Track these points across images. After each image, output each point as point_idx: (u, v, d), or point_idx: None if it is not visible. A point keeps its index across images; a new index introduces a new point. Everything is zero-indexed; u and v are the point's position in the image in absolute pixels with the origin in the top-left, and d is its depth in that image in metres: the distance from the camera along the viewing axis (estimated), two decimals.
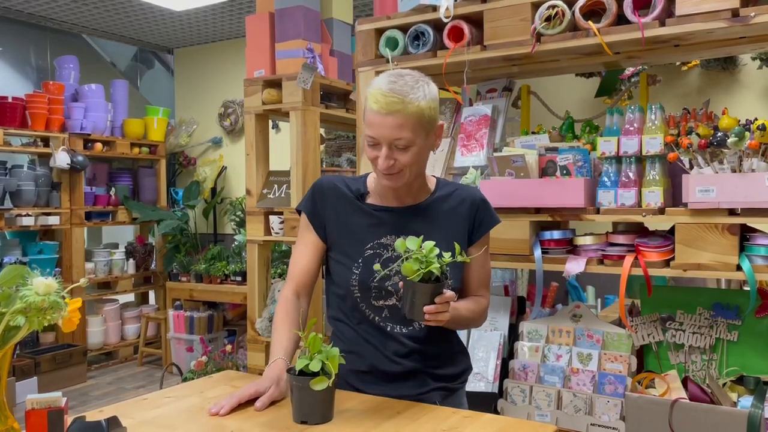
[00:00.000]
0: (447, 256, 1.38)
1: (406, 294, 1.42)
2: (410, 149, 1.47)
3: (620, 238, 2.05)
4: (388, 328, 1.56)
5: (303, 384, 1.30)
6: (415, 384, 1.56)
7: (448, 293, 1.41)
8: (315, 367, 1.29)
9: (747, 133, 1.80)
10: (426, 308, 1.38)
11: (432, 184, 1.66)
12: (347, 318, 1.61)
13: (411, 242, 1.38)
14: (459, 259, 1.41)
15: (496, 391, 2.15)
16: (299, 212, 1.66)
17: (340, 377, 1.55)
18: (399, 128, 1.44)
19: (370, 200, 1.63)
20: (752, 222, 1.84)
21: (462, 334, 2.29)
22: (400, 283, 1.43)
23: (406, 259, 1.38)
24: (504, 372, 2.18)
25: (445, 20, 2.24)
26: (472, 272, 1.64)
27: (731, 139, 1.81)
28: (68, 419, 1.20)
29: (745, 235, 1.87)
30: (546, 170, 2.12)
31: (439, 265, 1.37)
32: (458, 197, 1.63)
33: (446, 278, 1.42)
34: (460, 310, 1.56)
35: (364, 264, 1.56)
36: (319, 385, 1.28)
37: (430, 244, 1.38)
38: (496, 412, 2.10)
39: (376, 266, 1.46)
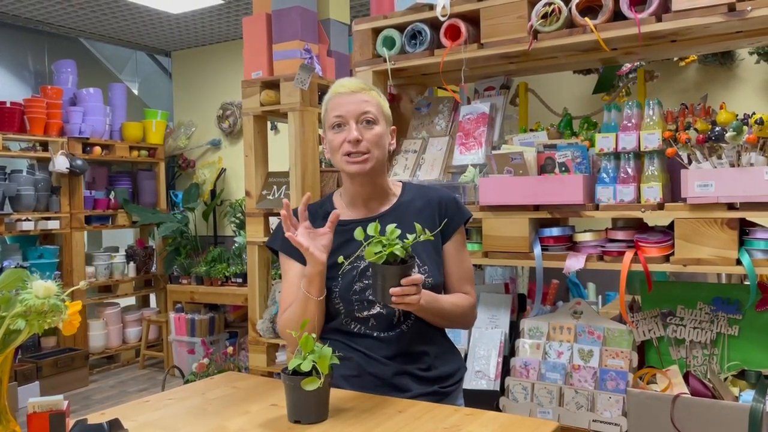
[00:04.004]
0: (411, 237, 1.39)
1: (375, 280, 1.43)
2: (375, 127, 1.56)
3: (620, 234, 2.05)
4: (375, 334, 1.57)
5: (295, 384, 1.30)
6: (403, 389, 1.56)
7: (416, 276, 1.42)
8: (306, 367, 1.30)
9: (745, 128, 1.80)
10: (392, 290, 1.39)
11: (398, 189, 1.70)
12: (335, 335, 1.61)
13: (370, 229, 1.40)
14: (422, 237, 1.42)
15: (498, 389, 2.15)
16: (275, 252, 1.69)
17: (332, 384, 1.55)
18: (365, 103, 1.56)
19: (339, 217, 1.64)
20: (751, 216, 1.84)
21: (463, 332, 2.29)
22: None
23: (369, 244, 1.40)
24: (505, 369, 2.18)
25: (442, 19, 2.24)
26: (451, 269, 1.65)
27: (729, 134, 1.81)
28: (70, 422, 1.20)
29: (744, 229, 1.87)
30: (544, 167, 2.12)
31: (401, 246, 1.38)
32: (426, 197, 1.67)
33: (413, 258, 1.43)
34: (441, 302, 1.57)
35: (343, 278, 1.57)
36: (310, 385, 1.29)
37: (391, 227, 1.40)
38: (497, 409, 2.10)
39: (340, 259, 1.47)
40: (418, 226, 1.44)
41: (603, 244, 2.08)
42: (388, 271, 1.40)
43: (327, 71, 3.47)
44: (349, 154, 1.55)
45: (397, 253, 1.38)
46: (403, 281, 1.40)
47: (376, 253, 1.38)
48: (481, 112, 2.36)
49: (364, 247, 1.41)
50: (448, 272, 1.65)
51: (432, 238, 1.46)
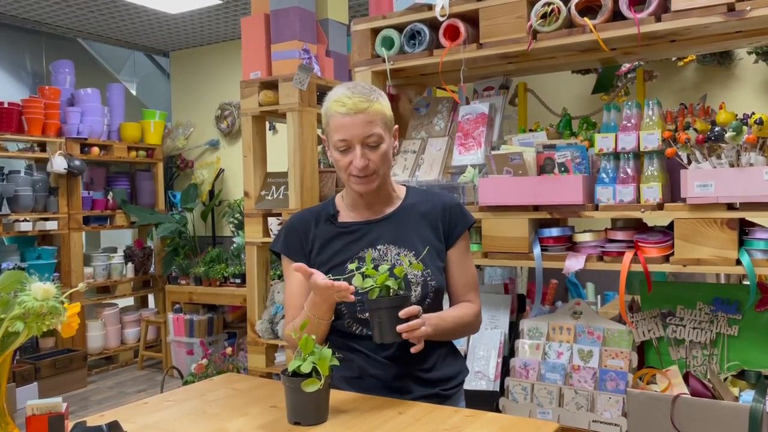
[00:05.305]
0: (400, 268, 1.42)
1: (373, 319, 1.44)
2: (380, 147, 1.54)
3: (619, 235, 2.05)
4: None
5: (295, 385, 1.30)
6: (405, 390, 1.56)
7: (413, 307, 1.43)
8: (306, 368, 1.30)
9: (744, 128, 1.80)
10: (399, 328, 1.40)
11: (402, 192, 1.69)
12: (336, 335, 1.61)
13: (368, 281, 1.41)
14: (413, 268, 1.45)
15: (498, 390, 2.15)
16: (278, 255, 1.69)
17: (333, 386, 1.55)
18: (369, 125, 1.51)
19: (341, 219, 1.65)
20: (751, 216, 1.84)
21: None
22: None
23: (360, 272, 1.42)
24: (505, 370, 2.17)
25: (441, 19, 2.24)
26: (455, 275, 1.65)
27: (729, 134, 1.80)
28: (69, 424, 1.19)
29: (744, 229, 1.87)
30: (544, 168, 2.12)
31: (394, 280, 1.39)
32: (430, 202, 1.66)
33: (407, 299, 1.44)
34: (446, 319, 1.57)
35: (346, 280, 1.56)
36: (310, 387, 1.28)
37: (385, 266, 1.42)
38: (497, 410, 2.09)
39: (351, 266, 1.49)
40: (405, 259, 1.47)
41: (602, 244, 2.08)
42: (383, 303, 1.40)
43: (325, 71, 3.47)
44: (355, 176, 1.55)
45: (390, 285, 1.39)
46: (401, 314, 1.40)
47: (365, 287, 1.39)
48: (480, 113, 2.35)
49: (363, 260, 1.43)
50: (452, 279, 1.65)
51: (421, 267, 1.49)
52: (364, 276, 1.42)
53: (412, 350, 1.45)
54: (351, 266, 1.46)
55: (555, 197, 2.06)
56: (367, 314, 1.54)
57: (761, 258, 1.81)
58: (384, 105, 1.56)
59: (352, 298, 1.44)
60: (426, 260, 1.57)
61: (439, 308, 1.64)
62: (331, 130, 1.55)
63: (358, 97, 1.52)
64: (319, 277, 1.44)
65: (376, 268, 1.43)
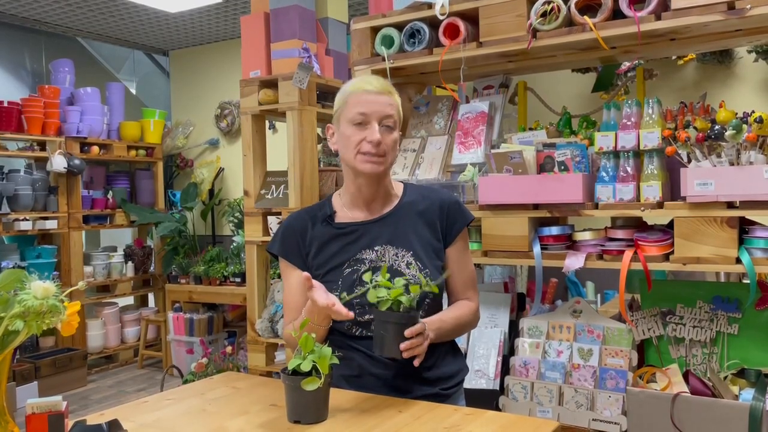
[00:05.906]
0: (416, 287, 1.42)
1: (377, 330, 1.43)
2: (393, 133, 1.57)
3: (619, 233, 2.05)
4: None
5: (295, 384, 1.30)
6: (404, 389, 1.55)
7: (419, 326, 1.42)
8: (306, 367, 1.30)
9: (744, 126, 1.80)
10: (402, 346, 1.39)
11: (399, 189, 1.69)
12: (336, 335, 1.60)
13: (381, 291, 1.41)
14: (427, 288, 1.45)
15: (498, 388, 2.15)
16: (274, 256, 1.68)
17: (333, 384, 1.55)
18: (390, 106, 1.56)
19: (339, 219, 1.64)
20: (751, 215, 1.84)
21: None
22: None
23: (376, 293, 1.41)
24: (505, 369, 2.17)
25: (441, 17, 2.24)
26: (454, 274, 1.64)
27: (729, 132, 1.80)
28: (69, 423, 1.19)
29: (744, 227, 1.87)
30: (544, 166, 2.12)
31: (408, 295, 1.39)
32: (428, 200, 1.65)
33: (417, 311, 1.44)
34: (447, 321, 1.57)
35: (344, 282, 1.56)
36: (310, 385, 1.28)
37: (401, 281, 1.42)
38: (497, 409, 2.09)
39: (344, 296, 1.50)
40: (421, 277, 1.46)
41: (602, 242, 2.08)
42: (391, 317, 1.40)
43: (325, 70, 3.47)
44: (365, 153, 1.54)
45: (403, 301, 1.39)
46: (407, 333, 1.39)
47: (379, 297, 1.39)
48: (480, 111, 2.35)
49: (365, 271, 1.43)
50: (450, 277, 1.64)
51: (436, 290, 1.48)
52: (377, 287, 1.41)
53: (414, 363, 1.44)
54: (366, 277, 1.45)
55: (555, 196, 2.06)
56: (368, 316, 1.54)
57: (761, 256, 1.81)
58: (399, 102, 1.61)
59: (351, 315, 1.44)
60: (424, 259, 1.57)
61: (439, 307, 1.63)
62: (349, 106, 1.55)
63: (382, 81, 1.59)
64: (320, 295, 1.42)
65: (391, 279, 1.42)
